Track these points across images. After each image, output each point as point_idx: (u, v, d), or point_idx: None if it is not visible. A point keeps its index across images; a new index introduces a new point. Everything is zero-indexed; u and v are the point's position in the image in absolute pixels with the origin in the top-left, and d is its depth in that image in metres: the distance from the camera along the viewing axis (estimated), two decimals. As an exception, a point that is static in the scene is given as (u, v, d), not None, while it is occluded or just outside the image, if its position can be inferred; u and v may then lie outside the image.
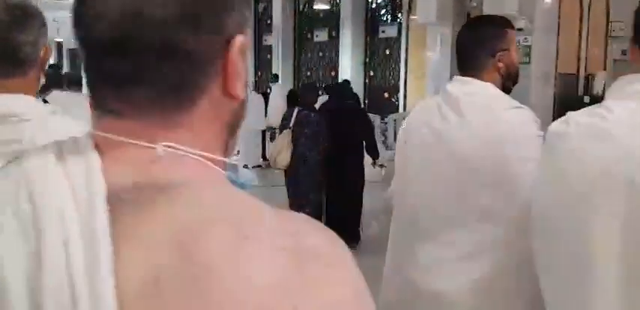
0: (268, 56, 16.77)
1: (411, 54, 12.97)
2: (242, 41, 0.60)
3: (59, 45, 28.51)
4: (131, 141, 0.55)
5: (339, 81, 13.70)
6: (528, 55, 10.41)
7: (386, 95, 13.93)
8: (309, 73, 15.94)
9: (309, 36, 15.75)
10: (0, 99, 1.11)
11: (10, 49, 1.14)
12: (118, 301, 0.47)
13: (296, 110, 5.12)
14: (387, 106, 13.74)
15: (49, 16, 1.39)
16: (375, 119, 11.29)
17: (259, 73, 17.38)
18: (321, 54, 15.55)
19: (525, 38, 10.39)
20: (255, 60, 17.43)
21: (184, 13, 0.55)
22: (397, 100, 13.57)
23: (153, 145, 0.55)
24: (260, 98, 10.94)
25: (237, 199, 0.54)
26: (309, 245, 0.51)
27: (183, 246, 0.48)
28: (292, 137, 4.90)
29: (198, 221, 0.50)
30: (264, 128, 10.79)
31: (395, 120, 11.46)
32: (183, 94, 0.57)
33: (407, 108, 12.98)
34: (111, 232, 0.49)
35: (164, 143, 0.55)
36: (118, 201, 0.51)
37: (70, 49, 27.58)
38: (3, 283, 0.48)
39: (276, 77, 12.49)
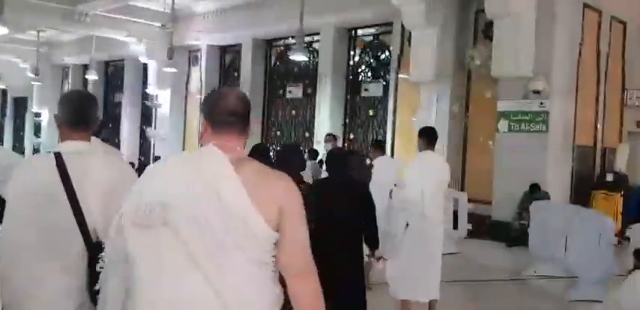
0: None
1: (399, 114, 11.31)
2: None
3: (3, 92, 26.27)
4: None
5: (320, 145, 11.96)
6: (546, 122, 8.83)
7: (368, 161, 12.09)
8: (278, 133, 14.10)
9: (280, 92, 14.05)
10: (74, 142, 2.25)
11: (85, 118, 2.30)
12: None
13: None
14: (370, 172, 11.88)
15: None
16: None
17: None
18: (294, 112, 13.80)
19: (542, 103, 8.84)
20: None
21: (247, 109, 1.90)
22: (381, 168, 11.75)
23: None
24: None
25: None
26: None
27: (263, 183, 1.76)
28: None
29: (262, 171, 1.80)
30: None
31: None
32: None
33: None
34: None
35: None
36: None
37: (14, 98, 25.41)
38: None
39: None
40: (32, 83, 20.95)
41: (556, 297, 6.03)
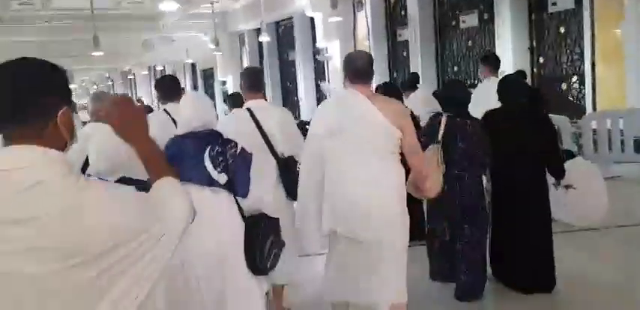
0: (404, 53, 14.03)
1: (598, 30, 9.49)
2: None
3: (193, 66, 28.30)
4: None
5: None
6: None
7: (564, 87, 10.50)
8: (455, 68, 12.91)
9: (453, 23, 12.77)
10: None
11: None
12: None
13: (444, 117, 3.81)
14: (567, 102, 10.31)
15: None
16: (563, 122, 8.03)
17: (394, 75, 14.67)
18: (470, 43, 12.47)
19: None
20: (389, 60, 14.78)
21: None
22: (581, 94, 10.07)
23: None
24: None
25: None
26: None
27: None
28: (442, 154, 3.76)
29: (386, 100, 3.34)
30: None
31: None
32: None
33: (598, 106, 9.48)
34: None
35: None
36: None
37: (202, 70, 27.24)
38: None
39: (414, 78, 8.77)
40: (214, 53, 22.11)
41: None
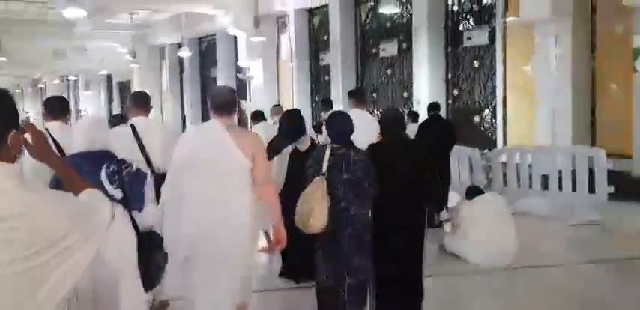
0: (326, 77, 14.08)
1: (510, 66, 9.89)
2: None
3: (108, 77, 27.21)
4: None
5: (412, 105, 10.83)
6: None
7: (477, 119, 10.83)
8: (374, 95, 13.08)
9: (374, 51, 12.96)
10: None
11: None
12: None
13: (328, 147, 3.69)
14: (479, 134, 10.64)
15: None
16: (474, 154, 8.23)
17: (315, 98, 14.68)
18: (389, 71, 12.68)
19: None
20: (311, 84, 14.79)
21: None
22: (493, 127, 10.43)
23: None
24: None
25: None
26: None
27: None
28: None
29: (242, 131, 4.19)
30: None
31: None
32: None
33: (508, 140, 9.83)
34: None
35: None
36: None
37: (118, 82, 26.23)
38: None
39: (327, 102, 8.77)
40: (131, 66, 21.37)
41: None
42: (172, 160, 3.41)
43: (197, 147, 3.32)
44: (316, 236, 3.68)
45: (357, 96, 6.32)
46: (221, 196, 3.25)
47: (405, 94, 12.16)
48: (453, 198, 7.60)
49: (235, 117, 3.49)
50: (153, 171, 3.72)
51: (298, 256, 4.54)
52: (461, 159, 8.17)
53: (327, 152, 3.61)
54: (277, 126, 5.43)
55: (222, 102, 3.35)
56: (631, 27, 7.88)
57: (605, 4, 8.52)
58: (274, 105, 9.58)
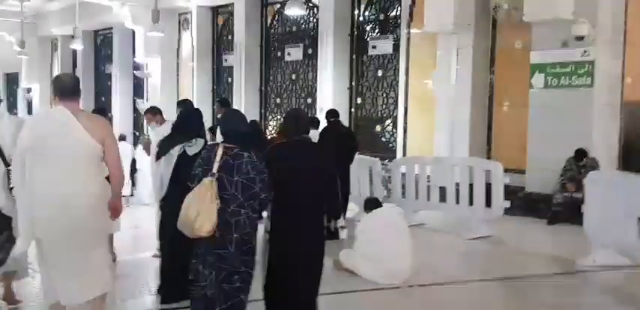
0: (229, 79, 13.56)
1: (413, 77, 9.87)
2: None
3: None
4: None
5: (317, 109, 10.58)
6: (590, 74, 7.39)
7: (378, 129, 10.75)
8: (278, 100, 12.72)
9: (279, 54, 12.62)
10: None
11: None
12: None
13: (220, 147, 3.48)
14: (380, 143, 10.56)
15: None
16: (374, 164, 8.04)
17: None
18: (294, 76, 12.38)
19: (586, 51, 7.38)
20: (213, 85, 14.20)
21: None
22: (394, 137, 10.36)
23: None
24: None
25: None
26: None
27: None
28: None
29: (90, 115, 3.78)
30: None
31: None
32: None
33: (408, 151, 9.77)
34: None
35: None
36: None
37: (5, 74, 24.26)
38: None
39: (224, 102, 7.93)
40: (20, 57, 19.76)
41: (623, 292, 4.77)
42: (17, 146, 3.50)
43: (44, 132, 3.40)
44: (197, 240, 3.41)
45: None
46: (70, 179, 3.34)
47: (309, 100, 11.90)
48: (352, 209, 7.38)
49: (80, 101, 3.60)
50: (5, 162, 3.94)
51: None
52: (361, 169, 7.97)
53: (219, 152, 3.38)
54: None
55: (65, 88, 3.47)
56: (529, 43, 8.05)
57: (506, 19, 8.68)
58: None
